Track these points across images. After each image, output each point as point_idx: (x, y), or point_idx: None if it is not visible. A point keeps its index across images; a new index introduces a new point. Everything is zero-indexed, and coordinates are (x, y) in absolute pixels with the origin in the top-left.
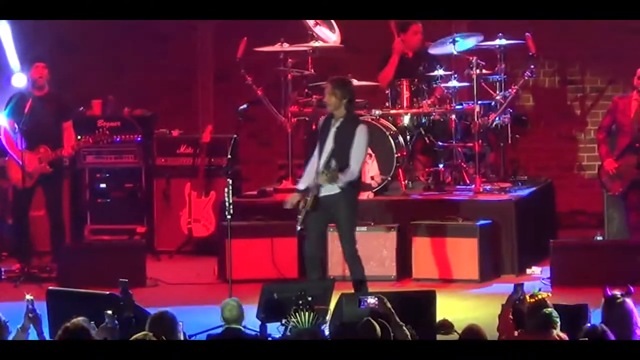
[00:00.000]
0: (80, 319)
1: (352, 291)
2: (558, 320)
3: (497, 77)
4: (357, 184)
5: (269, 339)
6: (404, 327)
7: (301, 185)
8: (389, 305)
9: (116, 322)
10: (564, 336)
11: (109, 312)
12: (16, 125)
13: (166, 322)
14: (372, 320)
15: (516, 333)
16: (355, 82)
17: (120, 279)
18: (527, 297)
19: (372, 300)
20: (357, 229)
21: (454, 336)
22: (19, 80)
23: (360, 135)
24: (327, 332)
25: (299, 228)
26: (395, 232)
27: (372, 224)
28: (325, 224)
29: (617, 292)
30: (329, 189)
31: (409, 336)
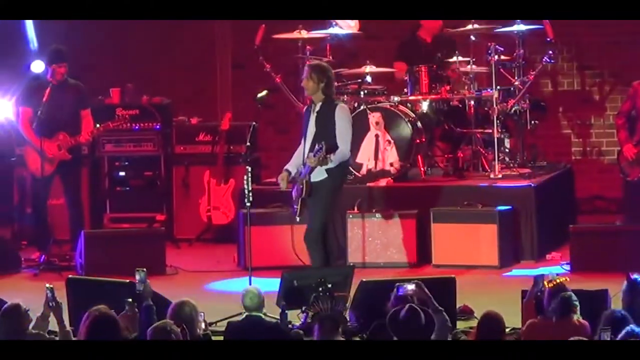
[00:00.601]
0: (102, 307)
1: (373, 278)
2: (577, 304)
3: (515, 63)
4: (345, 169)
5: (290, 327)
6: (443, 312)
7: (289, 166)
8: (426, 290)
9: (136, 309)
10: (584, 322)
11: (130, 300)
12: (33, 113)
13: (187, 311)
14: (416, 307)
15: (536, 319)
16: (374, 68)
17: (137, 268)
18: (546, 282)
19: (410, 287)
20: (375, 215)
21: (474, 322)
22: (38, 66)
23: (341, 115)
24: (349, 319)
25: (298, 219)
26: (414, 219)
27: (392, 210)
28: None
29: (638, 276)
30: (318, 174)
31: (449, 321)
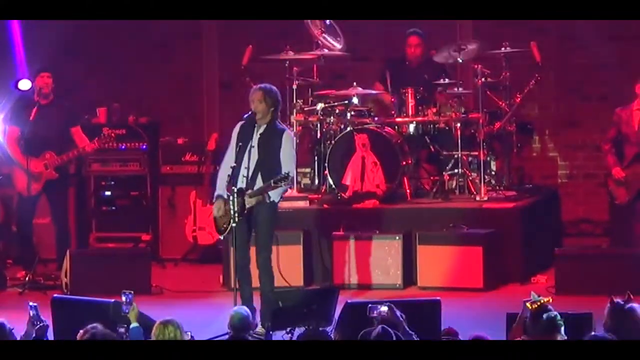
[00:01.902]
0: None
1: (358, 300)
2: (562, 323)
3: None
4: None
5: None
6: (414, 336)
7: (221, 192)
8: (398, 313)
9: (127, 336)
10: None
11: (122, 329)
12: (20, 132)
13: (171, 330)
14: (388, 328)
15: (520, 339)
16: (360, 90)
17: (124, 290)
18: (529, 304)
19: (383, 308)
20: (361, 237)
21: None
22: (25, 85)
23: (288, 140)
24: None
25: (222, 237)
26: (400, 241)
27: (378, 232)
28: (250, 230)
29: (621, 301)
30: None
31: None
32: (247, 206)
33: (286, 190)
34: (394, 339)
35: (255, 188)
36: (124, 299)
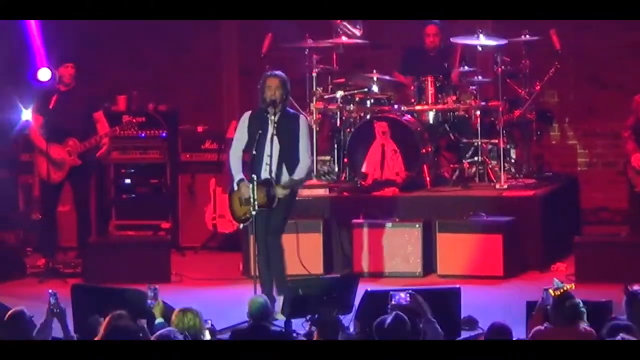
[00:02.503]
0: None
1: (377, 287)
2: (585, 311)
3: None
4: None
5: (294, 335)
6: (436, 324)
7: (241, 175)
8: (420, 300)
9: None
10: (591, 329)
11: (144, 324)
12: (43, 120)
13: (190, 318)
14: (402, 315)
15: (543, 327)
16: (380, 77)
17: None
18: (551, 291)
19: (403, 295)
20: (381, 225)
21: (479, 332)
22: (45, 74)
23: (304, 125)
24: (352, 329)
25: (242, 226)
26: (420, 229)
27: (397, 220)
28: (269, 217)
29: (638, 288)
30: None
31: (441, 333)
32: (280, 197)
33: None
34: (408, 325)
35: (283, 179)
36: (149, 293)
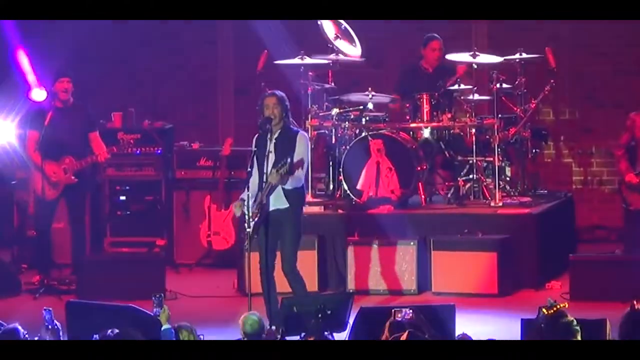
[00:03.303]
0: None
1: (372, 305)
2: (579, 329)
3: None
4: (303, 196)
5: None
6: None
7: (244, 196)
8: (422, 317)
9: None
10: None
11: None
12: (38, 137)
13: (184, 335)
14: (416, 333)
15: None
16: (375, 95)
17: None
18: (544, 310)
19: (408, 312)
20: (375, 242)
21: None
22: (39, 95)
23: (301, 142)
24: None
25: (246, 246)
26: (415, 246)
27: (392, 237)
28: (275, 239)
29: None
30: (278, 202)
31: None
32: (273, 182)
33: (302, 201)
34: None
35: (275, 192)
36: (154, 301)
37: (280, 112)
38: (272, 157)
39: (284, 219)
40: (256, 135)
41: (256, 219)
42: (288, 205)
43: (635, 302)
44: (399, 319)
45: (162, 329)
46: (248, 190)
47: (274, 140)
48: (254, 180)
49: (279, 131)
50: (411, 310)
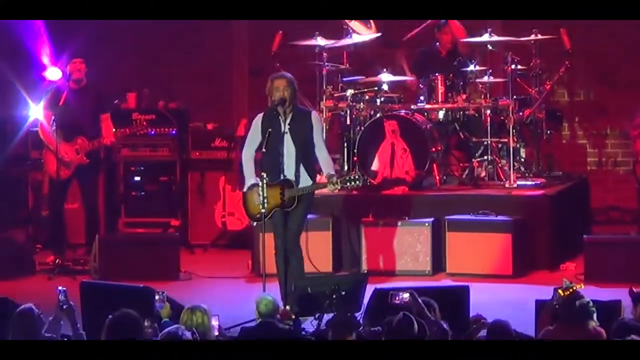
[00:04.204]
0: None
1: (386, 286)
2: (594, 310)
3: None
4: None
5: (303, 333)
6: (443, 324)
7: (254, 180)
8: (420, 301)
9: (156, 326)
10: (600, 329)
11: (147, 323)
12: (52, 118)
13: (199, 316)
14: (410, 315)
15: (552, 327)
16: (391, 76)
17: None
18: (560, 291)
19: (405, 295)
20: (390, 223)
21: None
22: (54, 73)
23: (317, 121)
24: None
25: (254, 224)
26: (429, 227)
27: (407, 218)
28: (286, 217)
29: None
30: (302, 182)
31: (449, 333)
32: (299, 194)
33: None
34: (416, 325)
35: (302, 179)
36: (157, 297)
37: (291, 93)
38: (288, 140)
39: (302, 202)
40: (261, 115)
41: (285, 203)
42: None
43: (633, 289)
44: (397, 302)
45: (162, 321)
46: (263, 171)
47: (287, 121)
48: (269, 161)
49: (290, 113)
50: (408, 294)
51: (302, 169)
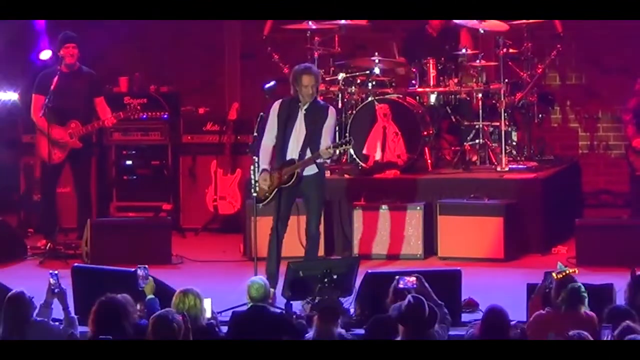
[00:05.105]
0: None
1: (378, 270)
2: (586, 295)
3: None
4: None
5: (294, 317)
6: (443, 307)
7: (266, 166)
8: (426, 284)
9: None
10: (592, 314)
11: (138, 308)
12: (44, 101)
13: (190, 299)
14: (420, 297)
15: (544, 311)
16: (381, 60)
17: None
18: (554, 274)
19: (411, 279)
20: (381, 207)
21: (479, 315)
22: (46, 55)
23: (332, 116)
24: (352, 311)
25: (260, 205)
26: (421, 211)
27: (398, 202)
28: (294, 201)
29: None
30: (309, 169)
31: (448, 316)
32: (297, 171)
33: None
34: (427, 308)
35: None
36: (139, 272)
37: (317, 89)
38: (302, 128)
39: (314, 183)
40: (280, 102)
41: (289, 184)
42: (317, 170)
43: (636, 269)
44: (402, 287)
45: (147, 298)
46: (280, 157)
47: (304, 111)
48: (267, 146)
49: (308, 104)
50: (414, 278)
51: (307, 152)
